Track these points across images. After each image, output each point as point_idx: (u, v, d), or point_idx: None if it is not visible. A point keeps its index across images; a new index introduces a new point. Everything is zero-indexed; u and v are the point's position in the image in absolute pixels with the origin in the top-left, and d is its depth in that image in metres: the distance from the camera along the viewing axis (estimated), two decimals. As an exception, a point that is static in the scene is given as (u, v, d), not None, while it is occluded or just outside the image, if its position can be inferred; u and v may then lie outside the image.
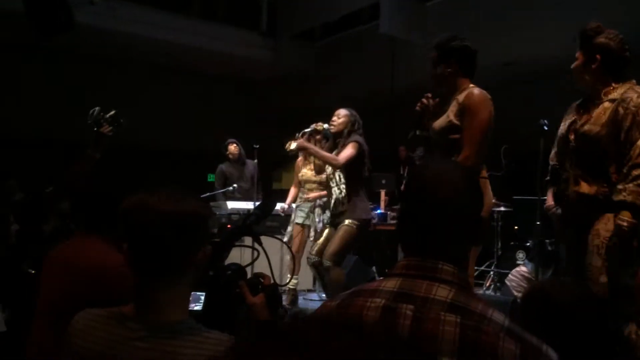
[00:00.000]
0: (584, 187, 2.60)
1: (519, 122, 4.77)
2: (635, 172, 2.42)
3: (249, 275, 1.60)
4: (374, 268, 6.33)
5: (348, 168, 4.10)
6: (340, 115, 4.21)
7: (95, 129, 3.05)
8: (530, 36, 6.46)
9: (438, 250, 1.13)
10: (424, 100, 2.99)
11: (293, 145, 4.18)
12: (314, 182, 5.27)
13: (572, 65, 2.71)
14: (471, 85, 2.90)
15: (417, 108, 2.99)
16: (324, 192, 5.01)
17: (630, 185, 2.43)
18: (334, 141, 4.23)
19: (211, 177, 8.57)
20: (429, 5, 7.59)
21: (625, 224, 2.44)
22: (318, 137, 4.45)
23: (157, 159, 8.68)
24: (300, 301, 5.32)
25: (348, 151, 4.02)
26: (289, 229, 5.39)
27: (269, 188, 10.43)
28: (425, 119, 2.98)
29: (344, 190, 4.17)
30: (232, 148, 6.49)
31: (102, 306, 1.29)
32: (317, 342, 0.76)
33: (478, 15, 6.87)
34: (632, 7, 5.42)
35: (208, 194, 5.74)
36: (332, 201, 4.24)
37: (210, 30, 8.53)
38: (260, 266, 1.70)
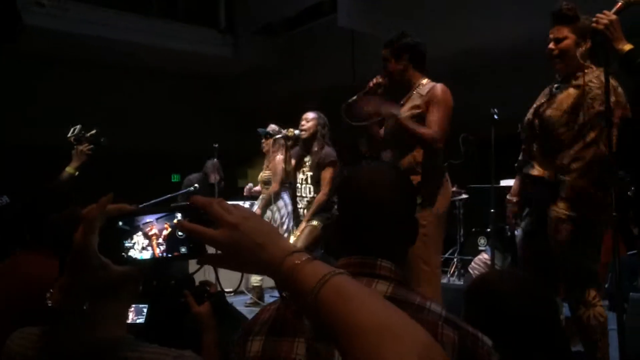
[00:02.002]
0: (537, 168, 2.67)
1: (476, 110, 4.84)
2: (574, 166, 2.51)
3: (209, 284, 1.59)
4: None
5: (317, 179, 4.24)
6: (309, 119, 4.31)
7: (75, 146, 3.07)
8: (487, 25, 6.53)
9: (376, 248, 1.16)
10: (379, 81, 3.00)
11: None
12: (265, 182, 5.28)
13: (561, 45, 2.61)
14: (427, 79, 3.00)
15: (372, 84, 3.00)
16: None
17: (568, 177, 2.53)
18: (305, 145, 4.30)
19: (175, 177, 8.50)
20: (386, -3, 7.61)
21: (556, 213, 2.55)
22: (290, 143, 4.49)
23: (118, 160, 8.55)
24: (267, 298, 5.31)
25: (328, 174, 4.19)
26: None
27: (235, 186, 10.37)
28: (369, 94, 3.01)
29: (311, 204, 4.27)
30: (213, 178, 6.41)
31: (44, 323, 1.26)
32: None
33: (436, 5, 6.92)
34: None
35: (169, 195, 5.68)
36: (299, 211, 4.34)
37: (168, 28, 8.43)
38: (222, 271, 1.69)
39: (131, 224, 0.87)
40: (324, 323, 0.70)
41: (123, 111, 8.87)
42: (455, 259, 5.91)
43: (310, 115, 4.32)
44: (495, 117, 3.41)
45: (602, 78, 2.42)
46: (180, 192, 5.58)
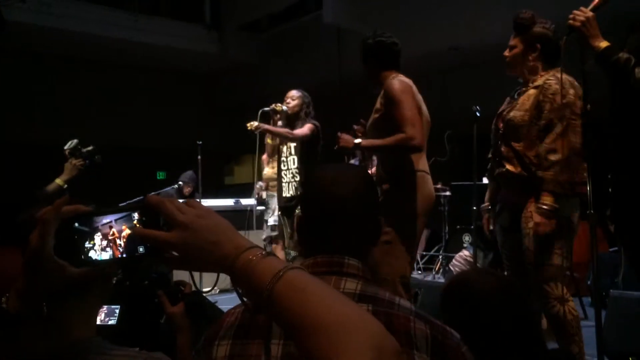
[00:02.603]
0: (509, 166, 2.68)
1: (460, 108, 4.85)
2: (552, 158, 2.50)
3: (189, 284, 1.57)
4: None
5: (302, 151, 4.18)
6: (294, 97, 4.30)
7: (68, 159, 3.12)
8: (474, 22, 6.55)
9: (341, 246, 1.16)
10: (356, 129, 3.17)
11: (254, 124, 4.26)
12: (275, 179, 5.21)
13: (510, 53, 2.73)
14: (392, 75, 2.92)
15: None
16: None
17: (548, 173, 2.51)
18: (290, 123, 4.29)
19: (160, 175, 8.46)
20: (371, -7, 7.61)
21: (545, 207, 2.51)
22: (277, 117, 4.50)
23: (103, 156, 8.49)
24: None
25: (304, 130, 4.15)
26: (271, 222, 5.21)
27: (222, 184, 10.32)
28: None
29: (297, 175, 4.23)
30: (187, 190, 6.35)
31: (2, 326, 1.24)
32: None
33: (420, 2, 6.92)
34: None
35: (153, 193, 5.64)
36: (283, 185, 4.27)
37: (152, 24, 8.38)
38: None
39: (90, 225, 0.86)
40: (279, 318, 0.70)
41: (107, 107, 8.81)
42: (440, 256, 5.92)
43: (295, 93, 4.34)
44: (477, 114, 3.41)
45: (558, 75, 2.50)
46: (163, 190, 5.54)
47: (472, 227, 5.62)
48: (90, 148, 3.21)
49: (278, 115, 4.44)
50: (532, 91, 2.64)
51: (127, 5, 8.39)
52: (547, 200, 2.51)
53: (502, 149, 2.74)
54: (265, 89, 8.90)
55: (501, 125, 2.75)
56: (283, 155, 4.36)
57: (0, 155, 7.23)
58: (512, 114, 2.68)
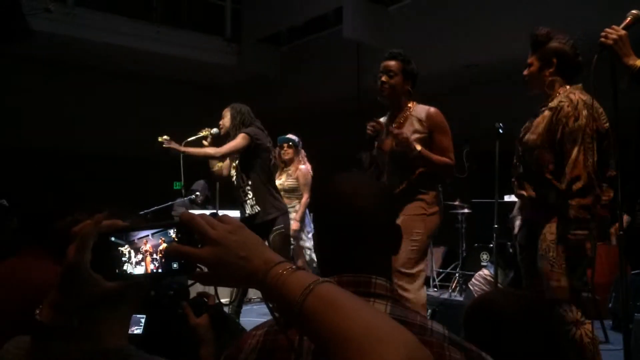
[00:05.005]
0: (526, 190, 2.67)
1: (481, 124, 4.81)
2: (575, 186, 2.44)
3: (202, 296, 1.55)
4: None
5: (245, 165, 3.93)
6: (224, 115, 4.09)
7: None
8: (491, 39, 6.53)
9: (367, 263, 1.09)
10: (375, 125, 3.18)
11: (165, 138, 4.02)
12: (285, 190, 5.19)
13: (526, 72, 2.71)
14: (413, 101, 3.18)
15: (369, 132, 3.18)
16: (302, 199, 5.10)
17: (573, 201, 2.44)
18: (229, 141, 4.02)
19: (177, 185, 8.47)
20: (391, 10, 7.64)
21: (572, 237, 2.46)
22: (208, 141, 4.19)
23: (121, 167, 8.54)
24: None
25: (233, 142, 3.82)
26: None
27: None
28: (377, 140, 3.23)
29: (250, 193, 3.99)
30: (201, 199, 6.43)
31: (36, 336, 1.23)
32: None
33: (439, 18, 6.93)
34: (591, 8, 5.49)
35: (170, 202, 5.65)
36: (246, 205, 4.04)
37: (173, 36, 8.45)
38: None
39: (127, 239, 0.87)
40: (311, 332, 0.70)
41: (127, 118, 8.88)
42: (457, 274, 5.86)
43: (225, 111, 4.11)
44: (500, 131, 3.38)
45: (572, 96, 2.47)
46: (184, 199, 5.54)
47: (492, 245, 5.59)
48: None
49: (209, 139, 4.13)
50: (546, 113, 2.59)
51: (149, 16, 8.49)
52: (576, 230, 2.45)
53: (522, 169, 2.72)
54: (283, 101, 8.94)
55: (520, 147, 2.74)
56: (233, 176, 4.13)
57: (24, 163, 7.31)
58: (527, 136, 2.65)
